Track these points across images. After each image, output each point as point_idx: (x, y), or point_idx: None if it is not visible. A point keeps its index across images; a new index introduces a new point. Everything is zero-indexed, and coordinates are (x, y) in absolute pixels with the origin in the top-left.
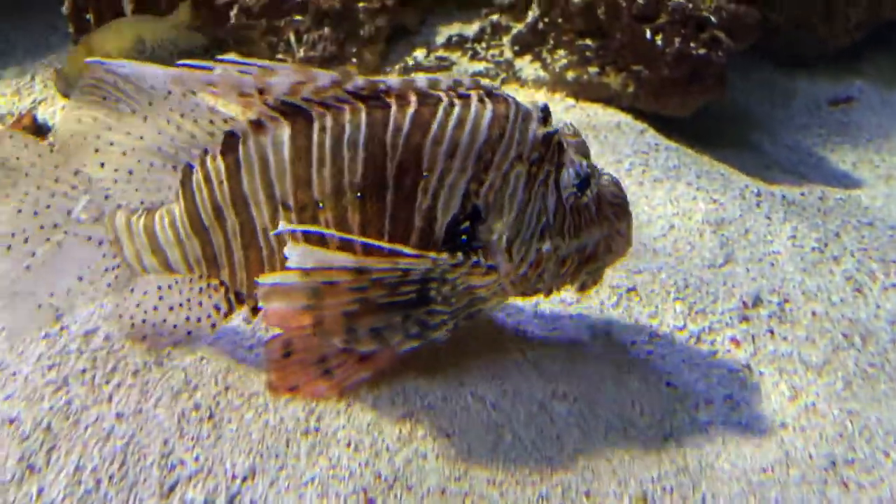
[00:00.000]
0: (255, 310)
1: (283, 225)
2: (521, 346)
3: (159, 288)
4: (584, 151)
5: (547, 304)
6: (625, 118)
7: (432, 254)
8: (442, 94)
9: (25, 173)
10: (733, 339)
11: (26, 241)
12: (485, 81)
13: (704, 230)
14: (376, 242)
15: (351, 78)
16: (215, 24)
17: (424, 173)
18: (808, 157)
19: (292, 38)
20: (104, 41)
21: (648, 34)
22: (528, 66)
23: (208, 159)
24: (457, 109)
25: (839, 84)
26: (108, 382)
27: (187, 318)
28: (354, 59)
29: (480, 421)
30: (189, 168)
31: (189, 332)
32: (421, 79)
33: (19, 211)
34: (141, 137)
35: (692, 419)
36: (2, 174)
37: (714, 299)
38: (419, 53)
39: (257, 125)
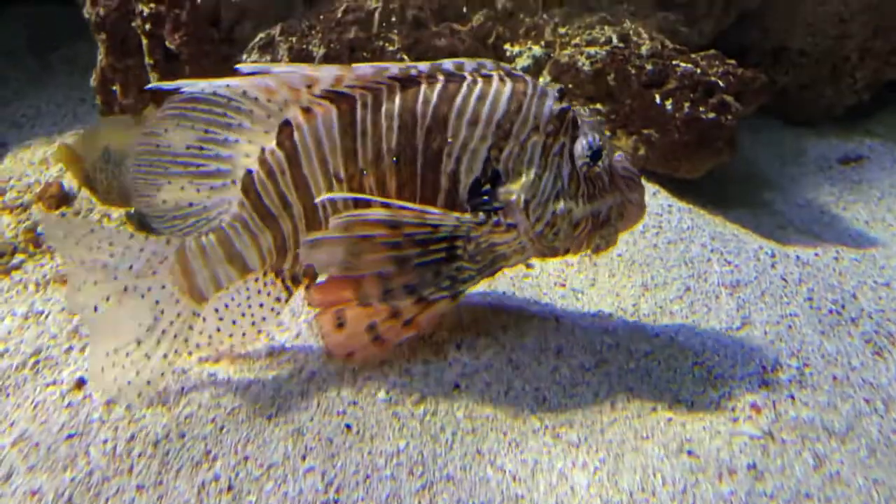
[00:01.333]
0: (308, 286)
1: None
2: (542, 415)
3: (223, 308)
4: (598, 130)
5: (567, 371)
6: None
7: (456, 213)
8: (466, 74)
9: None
10: (754, 406)
11: (96, 308)
12: (505, 65)
13: (720, 292)
14: (409, 204)
15: (386, 69)
16: None
17: (449, 139)
18: (821, 215)
19: None
20: (80, 147)
21: (658, 99)
22: None
23: (267, 155)
24: (479, 85)
25: (848, 143)
26: (128, 453)
27: (253, 323)
28: None
29: None
30: (249, 173)
31: (259, 331)
32: (448, 63)
33: (95, 283)
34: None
35: (716, 491)
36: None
37: (733, 364)
38: None
39: (307, 111)
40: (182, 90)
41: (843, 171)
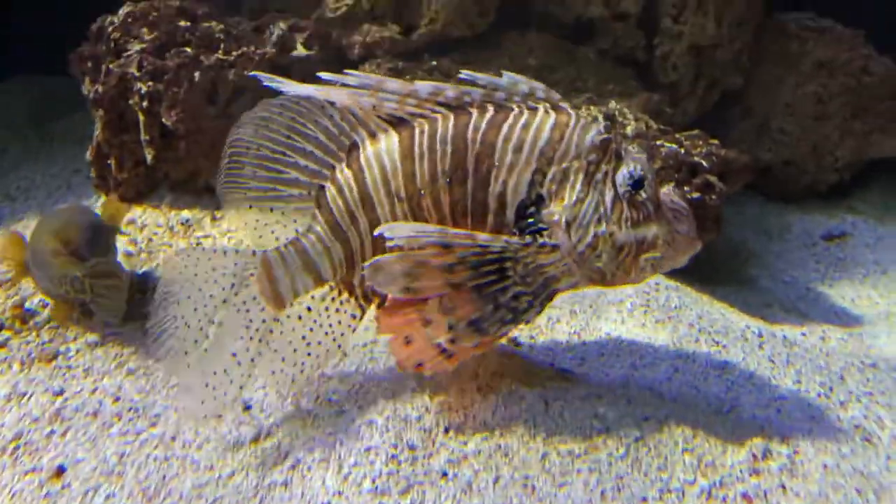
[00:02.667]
0: (380, 304)
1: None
2: None
3: (306, 324)
4: (644, 163)
5: (557, 458)
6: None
7: (504, 236)
8: (514, 105)
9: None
10: (745, 496)
11: (201, 329)
12: (555, 93)
13: (709, 374)
14: (460, 230)
15: (443, 90)
16: None
17: (496, 163)
18: (806, 292)
19: None
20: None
21: None
22: None
23: (337, 173)
24: (525, 115)
25: (832, 219)
26: None
27: (334, 339)
28: None
29: None
30: (321, 188)
31: (339, 346)
32: (501, 92)
33: (195, 309)
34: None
35: None
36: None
37: (723, 450)
38: None
39: (372, 135)
40: (272, 86)
41: (827, 247)
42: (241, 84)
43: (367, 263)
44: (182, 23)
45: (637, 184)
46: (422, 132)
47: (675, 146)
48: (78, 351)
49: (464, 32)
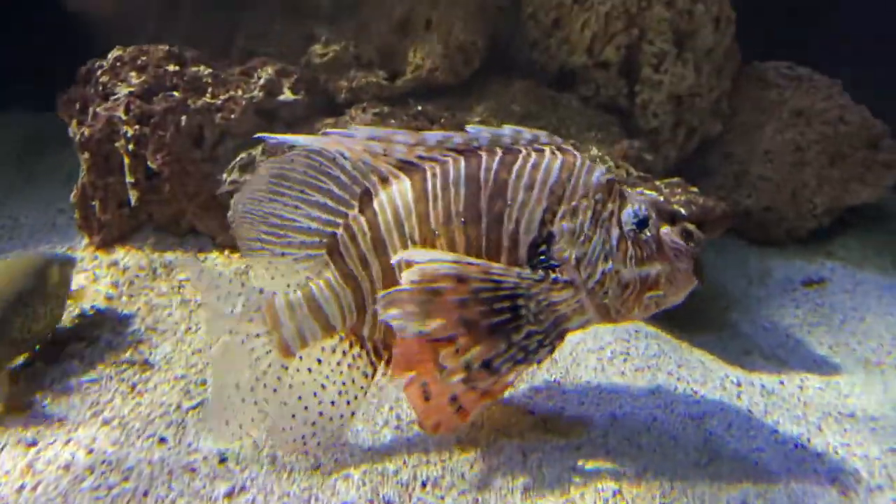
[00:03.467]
0: (388, 361)
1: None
2: None
3: (313, 380)
4: (647, 204)
5: None
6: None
7: (516, 268)
8: (522, 148)
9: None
10: None
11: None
12: (557, 138)
13: (687, 424)
14: (474, 259)
15: (450, 137)
16: None
17: (508, 202)
18: (785, 339)
19: None
20: None
21: None
22: None
23: (350, 220)
24: (533, 156)
25: (811, 265)
26: None
27: (347, 401)
28: None
29: None
30: (334, 236)
31: (353, 413)
32: (507, 132)
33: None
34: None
35: None
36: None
37: None
38: None
39: (384, 181)
40: (285, 142)
41: (806, 293)
42: (228, 127)
43: (381, 294)
44: (171, 67)
45: (641, 223)
46: (434, 175)
47: (654, 194)
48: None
49: (449, 79)
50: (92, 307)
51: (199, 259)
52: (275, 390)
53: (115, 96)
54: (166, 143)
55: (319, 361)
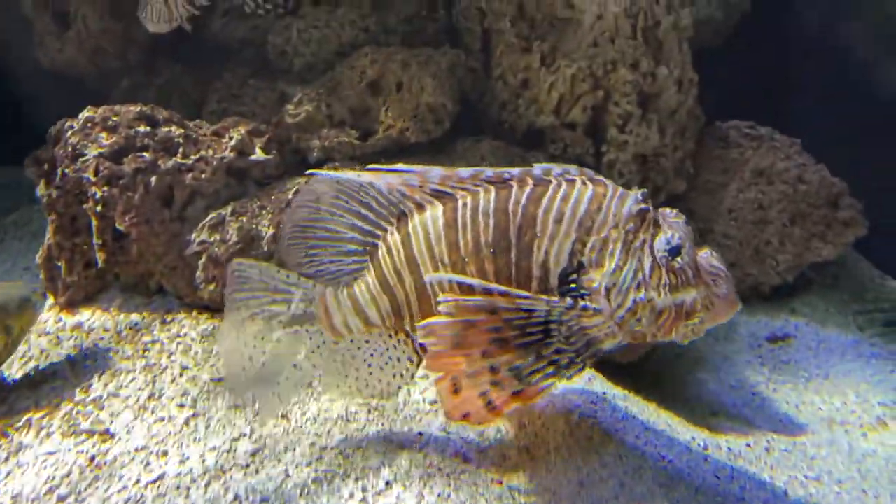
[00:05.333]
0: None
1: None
2: None
3: (366, 351)
4: (682, 230)
5: None
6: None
7: (545, 297)
8: (552, 179)
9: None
10: None
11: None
12: (588, 170)
13: (655, 492)
14: (504, 288)
15: (482, 171)
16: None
17: (538, 234)
18: (752, 398)
19: None
20: None
21: None
22: None
23: (388, 235)
24: (563, 188)
25: (776, 321)
26: None
27: (394, 374)
28: None
29: None
30: (375, 246)
31: (399, 387)
32: (537, 168)
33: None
34: (346, 232)
35: None
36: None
37: None
38: None
39: (419, 206)
40: (332, 177)
41: (772, 349)
42: (198, 187)
43: (420, 325)
44: (142, 127)
45: (675, 250)
46: (465, 204)
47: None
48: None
49: (419, 138)
50: (53, 373)
51: (165, 321)
52: (328, 357)
53: (85, 157)
54: (135, 205)
55: (367, 341)
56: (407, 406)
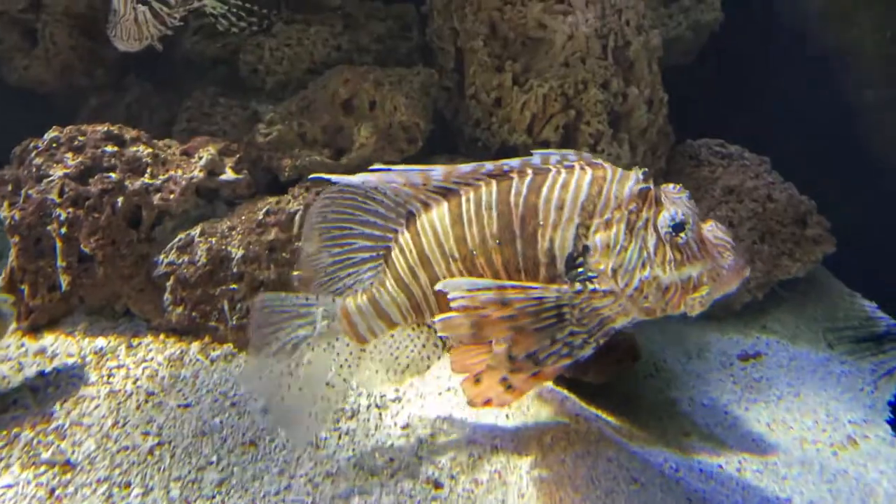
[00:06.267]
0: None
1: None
2: None
3: (392, 345)
4: (685, 205)
5: None
6: (546, 386)
7: (554, 286)
8: (551, 167)
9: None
10: None
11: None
12: (587, 154)
13: None
14: (513, 283)
15: (482, 166)
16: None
17: (541, 223)
18: (724, 416)
19: (226, 306)
20: None
21: None
22: None
23: (399, 237)
24: (562, 175)
25: (747, 339)
26: None
27: (424, 356)
28: None
29: None
30: (388, 248)
31: (428, 367)
32: (535, 157)
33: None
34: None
35: None
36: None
37: None
38: None
39: (425, 204)
40: (333, 180)
41: (743, 367)
42: (167, 208)
43: (436, 319)
44: (109, 147)
45: (678, 226)
46: (468, 199)
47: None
48: None
49: (393, 157)
50: (14, 401)
51: (131, 345)
52: (359, 364)
53: (50, 178)
54: (101, 226)
55: (393, 336)
56: (378, 430)
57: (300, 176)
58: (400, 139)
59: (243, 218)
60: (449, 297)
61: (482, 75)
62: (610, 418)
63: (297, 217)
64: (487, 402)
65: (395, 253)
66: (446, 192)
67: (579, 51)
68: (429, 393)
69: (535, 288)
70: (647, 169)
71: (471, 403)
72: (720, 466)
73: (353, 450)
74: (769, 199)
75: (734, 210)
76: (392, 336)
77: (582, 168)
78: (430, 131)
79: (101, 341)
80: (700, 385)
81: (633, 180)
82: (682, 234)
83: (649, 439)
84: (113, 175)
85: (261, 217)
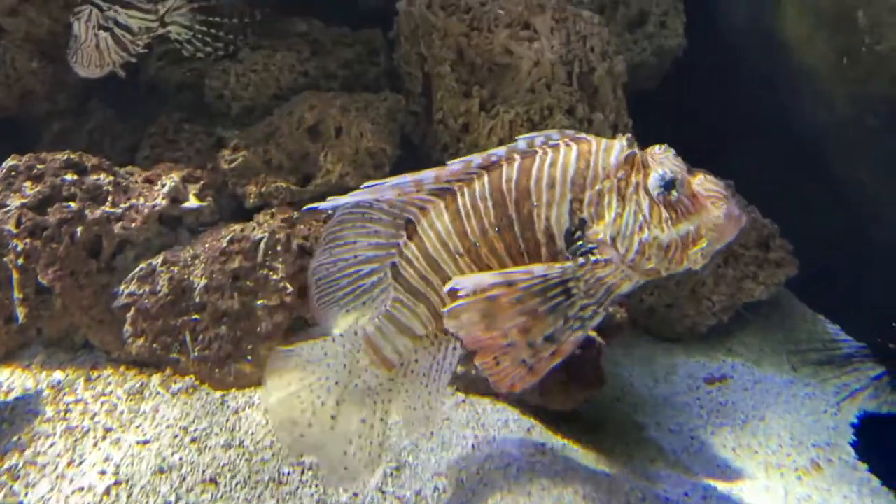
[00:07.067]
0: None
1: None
2: None
3: (420, 369)
4: (673, 163)
5: None
6: (513, 414)
7: (557, 263)
8: (538, 149)
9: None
10: None
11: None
12: (570, 131)
13: None
14: (518, 268)
15: (470, 161)
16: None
17: (535, 204)
18: (690, 442)
19: (188, 337)
20: None
21: None
22: None
23: (403, 248)
24: (549, 155)
25: (713, 362)
26: None
27: (446, 370)
28: (250, 357)
29: None
30: (394, 265)
31: (454, 368)
32: (521, 142)
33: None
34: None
35: None
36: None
37: None
38: None
39: (422, 209)
40: (328, 207)
41: (709, 391)
42: (128, 237)
43: (445, 310)
44: (69, 175)
45: (669, 185)
46: (462, 194)
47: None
48: None
49: (359, 183)
50: None
51: (90, 378)
52: (392, 398)
53: (7, 208)
54: (59, 257)
55: (416, 360)
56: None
57: (265, 202)
58: (366, 165)
59: (207, 246)
60: (455, 287)
61: (449, 101)
62: (576, 446)
63: (262, 244)
64: (512, 387)
65: (402, 266)
66: (441, 193)
67: (545, 77)
68: (393, 424)
69: (538, 266)
70: (629, 135)
71: (495, 388)
72: (686, 495)
73: (317, 486)
74: None
75: None
76: (416, 361)
77: (567, 144)
78: (397, 156)
79: (58, 375)
80: (667, 409)
81: (618, 148)
82: (674, 192)
83: (616, 467)
84: (73, 204)
85: (224, 245)
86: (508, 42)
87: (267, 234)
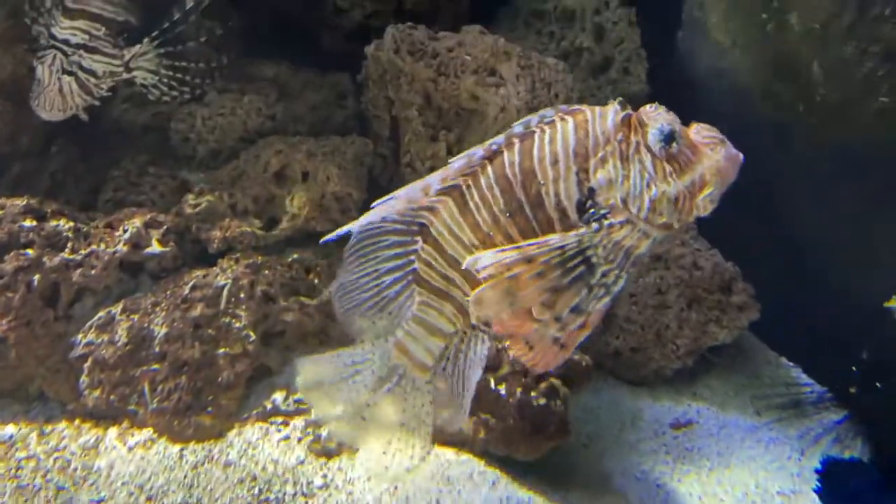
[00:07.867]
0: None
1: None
2: None
3: (451, 368)
4: (668, 117)
5: None
6: (478, 466)
7: (572, 232)
8: (534, 129)
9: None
10: None
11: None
12: (563, 105)
13: None
14: (533, 241)
15: (473, 155)
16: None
17: (541, 182)
18: (657, 490)
19: (146, 388)
20: None
21: (493, 384)
22: None
23: (420, 252)
24: (547, 132)
25: (679, 406)
26: None
27: (477, 364)
28: (210, 409)
29: None
30: (415, 270)
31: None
32: (517, 127)
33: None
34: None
35: None
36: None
37: None
38: (279, 396)
39: (433, 210)
40: (342, 234)
41: (675, 436)
42: (87, 284)
43: (470, 299)
44: (27, 222)
45: (668, 138)
46: (469, 187)
47: None
48: None
49: (326, 227)
50: None
51: (43, 432)
52: (431, 402)
53: None
54: (14, 307)
55: (448, 358)
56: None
57: (230, 247)
58: (333, 209)
59: (168, 293)
60: (476, 268)
61: (417, 144)
62: (541, 498)
63: (225, 291)
64: (547, 366)
65: (422, 268)
66: (448, 191)
67: (511, 122)
68: (357, 478)
69: (553, 237)
70: (622, 98)
71: (532, 369)
72: None
73: None
74: (695, 267)
75: (662, 277)
76: (448, 358)
77: (562, 119)
78: (363, 200)
79: (10, 429)
80: (633, 456)
81: (612, 112)
82: (674, 144)
83: None
84: (30, 251)
85: (186, 292)
86: (475, 88)
87: (230, 281)
